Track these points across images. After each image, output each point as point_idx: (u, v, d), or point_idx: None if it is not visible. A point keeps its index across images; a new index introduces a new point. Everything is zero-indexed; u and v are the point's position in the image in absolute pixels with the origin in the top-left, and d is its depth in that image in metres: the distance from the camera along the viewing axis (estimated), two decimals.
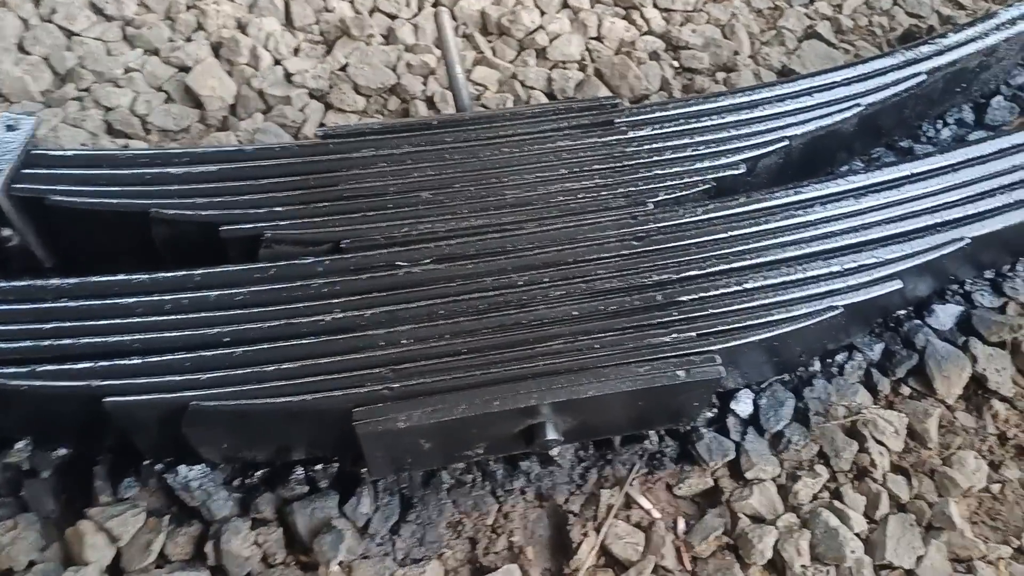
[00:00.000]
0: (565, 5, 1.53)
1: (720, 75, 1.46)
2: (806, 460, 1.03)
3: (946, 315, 1.16)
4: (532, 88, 1.40)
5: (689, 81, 1.45)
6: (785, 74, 1.47)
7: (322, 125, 1.30)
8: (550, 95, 1.40)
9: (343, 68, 1.38)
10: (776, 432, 1.04)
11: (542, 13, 1.51)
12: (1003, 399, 1.08)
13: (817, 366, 1.11)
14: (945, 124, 1.42)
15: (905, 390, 1.10)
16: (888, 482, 1.01)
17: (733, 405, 1.06)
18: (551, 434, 0.88)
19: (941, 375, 1.09)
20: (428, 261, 0.93)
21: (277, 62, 1.37)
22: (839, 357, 1.11)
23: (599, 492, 0.97)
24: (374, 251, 0.93)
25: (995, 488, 1.02)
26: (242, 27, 1.42)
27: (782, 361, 1.06)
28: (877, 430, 1.04)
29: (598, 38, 1.49)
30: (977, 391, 1.10)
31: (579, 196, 1.01)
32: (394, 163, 1.01)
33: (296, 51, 1.41)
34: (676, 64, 1.47)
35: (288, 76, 1.35)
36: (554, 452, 1.01)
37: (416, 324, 0.87)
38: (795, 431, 1.04)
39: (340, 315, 0.87)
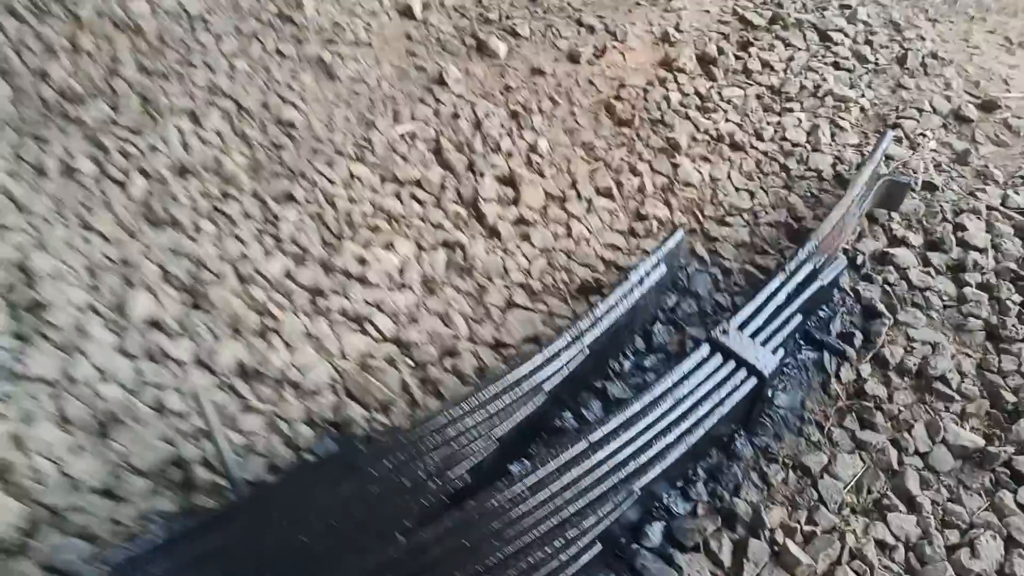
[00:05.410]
0: (308, 335, 1.81)
1: (447, 361, 1.78)
2: None
3: (654, 532, 1.49)
4: (297, 422, 1.64)
5: (424, 374, 1.76)
6: (498, 347, 1.82)
7: (113, 523, 1.46)
8: (310, 423, 1.65)
9: (124, 455, 1.56)
10: None
11: (288, 346, 1.77)
12: None
13: None
14: (625, 356, 1.82)
15: None
16: None
17: None
18: None
19: None
20: None
21: (59, 469, 1.53)
22: None
23: None
24: None
25: None
26: (19, 442, 1.56)
27: None
28: None
29: (343, 355, 1.77)
30: None
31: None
32: None
33: (76, 450, 1.57)
34: (411, 363, 1.78)
35: (73, 483, 1.51)
36: None
37: None
38: None
39: None
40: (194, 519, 1.30)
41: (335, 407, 1.68)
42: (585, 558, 1.27)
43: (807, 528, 1.50)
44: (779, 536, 1.48)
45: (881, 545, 1.49)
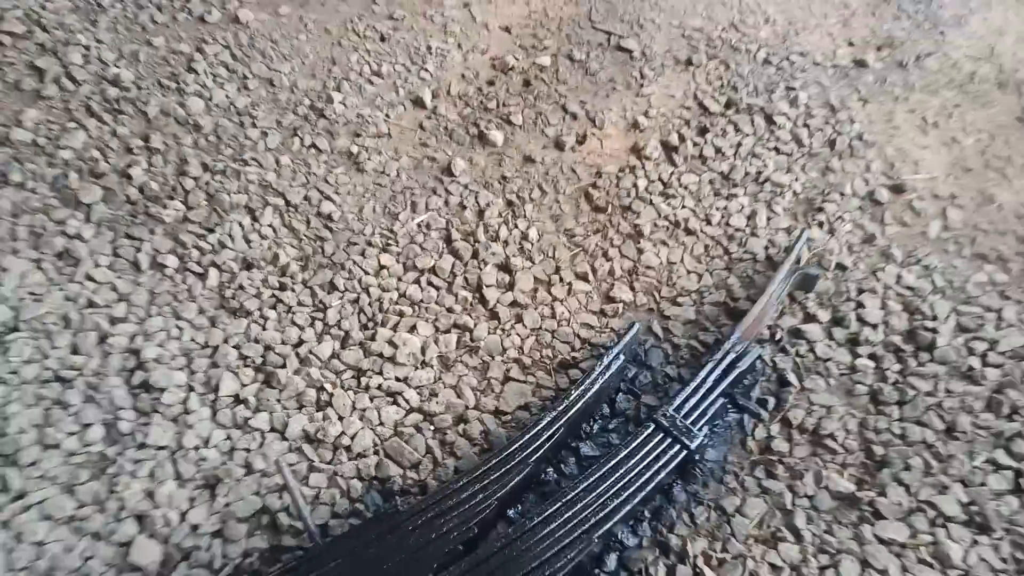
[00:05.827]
0: (354, 408, 2.39)
1: (460, 427, 2.37)
2: None
3: (611, 561, 2.09)
4: (350, 479, 2.24)
5: (443, 438, 2.35)
6: (498, 413, 2.40)
7: (224, 558, 2.06)
8: (360, 478, 2.24)
9: (227, 505, 2.16)
10: None
11: (341, 418, 2.36)
12: None
13: None
14: (594, 421, 2.40)
15: None
16: None
17: None
18: None
19: None
20: None
21: (183, 517, 2.12)
22: None
23: None
24: None
25: None
26: (151, 497, 2.15)
27: None
28: None
29: (380, 424, 2.36)
30: None
31: None
32: None
33: (191, 502, 2.17)
34: (432, 428, 2.36)
35: (194, 528, 2.10)
36: None
37: None
38: None
39: None
40: (283, 563, 1.90)
41: (377, 465, 2.27)
42: None
43: (720, 555, 2.10)
44: (700, 562, 2.08)
45: (773, 567, 2.09)
